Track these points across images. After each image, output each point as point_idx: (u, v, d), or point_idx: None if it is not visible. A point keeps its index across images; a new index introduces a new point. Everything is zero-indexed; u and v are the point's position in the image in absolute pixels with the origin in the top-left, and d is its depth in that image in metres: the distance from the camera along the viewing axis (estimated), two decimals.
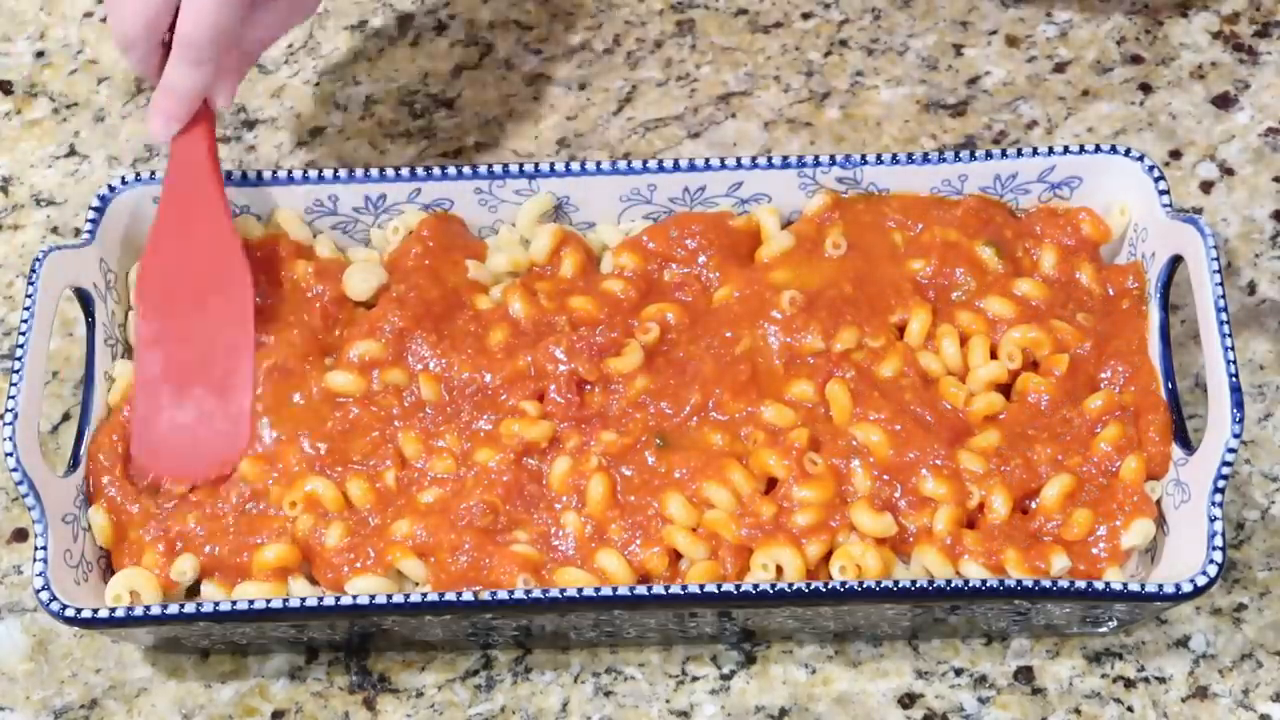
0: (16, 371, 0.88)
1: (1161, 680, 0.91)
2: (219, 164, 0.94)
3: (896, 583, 0.84)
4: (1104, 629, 0.90)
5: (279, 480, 0.90)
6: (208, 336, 0.93)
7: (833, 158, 0.95)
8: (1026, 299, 0.93)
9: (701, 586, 0.85)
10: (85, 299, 0.93)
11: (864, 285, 0.94)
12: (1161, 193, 0.93)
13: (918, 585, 0.84)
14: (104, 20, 1.15)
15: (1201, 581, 0.84)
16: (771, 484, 0.90)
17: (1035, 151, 0.95)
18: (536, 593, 0.84)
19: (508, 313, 0.94)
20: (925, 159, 0.95)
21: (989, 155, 0.95)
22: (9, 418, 0.87)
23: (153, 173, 0.96)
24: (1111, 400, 0.91)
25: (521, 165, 0.96)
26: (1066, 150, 0.95)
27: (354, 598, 0.85)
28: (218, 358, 0.92)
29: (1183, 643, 0.91)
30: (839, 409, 0.91)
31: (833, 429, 0.90)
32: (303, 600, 0.85)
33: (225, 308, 0.93)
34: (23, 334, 0.89)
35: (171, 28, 0.90)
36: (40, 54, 1.14)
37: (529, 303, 0.94)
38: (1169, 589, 0.84)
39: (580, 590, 0.84)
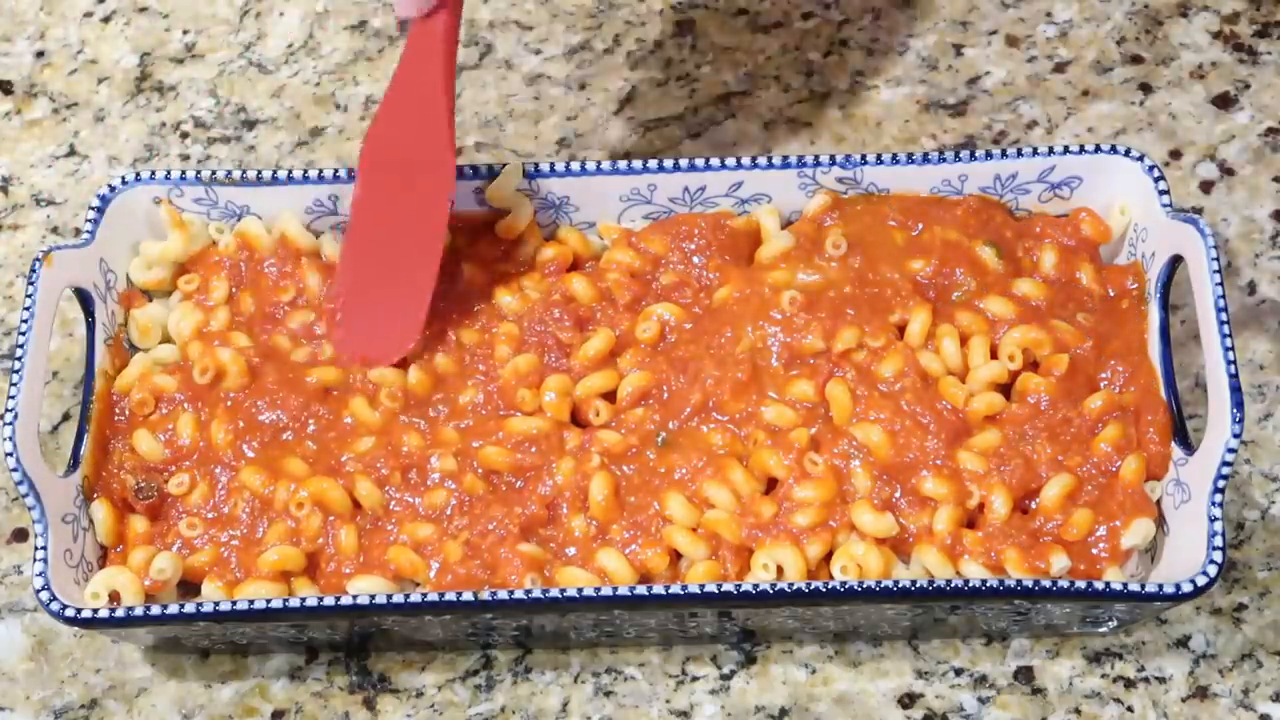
0: (16, 371, 0.88)
1: (1161, 680, 0.91)
2: (455, 56, 0.93)
3: (896, 583, 0.84)
4: (1104, 629, 0.90)
5: (282, 480, 0.90)
6: (408, 218, 0.93)
7: (833, 158, 0.95)
8: (1026, 299, 0.93)
9: (702, 586, 0.85)
10: (85, 299, 0.93)
11: (864, 285, 0.94)
12: (1161, 193, 0.93)
13: (918, 585, 0.84)
14: (104, 20, 1.15)
15: (1201, 581, 0.84)
16: (771, 484, 0.90)
17: (1035, 151, 0.95)
18: (536, 593, 0.84)
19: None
20: (925, 159, 0.95)
21: (989, 155, 0.95)
22: (9, 418, 0.87)
23: (153, 173, 0.96)
24: (1111, 400, 0.91)
25: (521, 165, 0.96)
26: (1066, 150, 0.95)
27: (354, 598, 0.85)
28: (412, 242, 0.93)
29: (1183, 643, 0.91)
30: (839, 409, 0.91)
31: (833, 429, 0.91)
32: (303, 600, 0.85)
33: (428, 193, 0.93)
34: (23, 334, 0.89)
35: None
36: (40, 54, 1.14)
37: (518, 296, 0.94)
38: (1169, 589, 0.84)
39: (580, 590, 0.84)
